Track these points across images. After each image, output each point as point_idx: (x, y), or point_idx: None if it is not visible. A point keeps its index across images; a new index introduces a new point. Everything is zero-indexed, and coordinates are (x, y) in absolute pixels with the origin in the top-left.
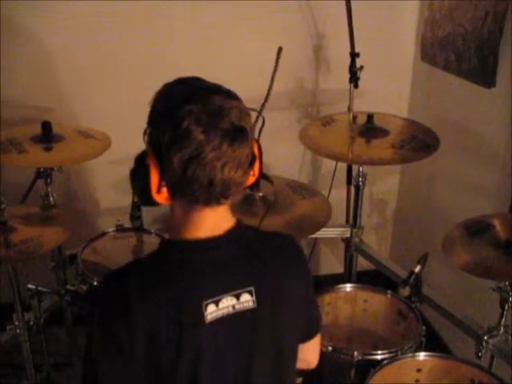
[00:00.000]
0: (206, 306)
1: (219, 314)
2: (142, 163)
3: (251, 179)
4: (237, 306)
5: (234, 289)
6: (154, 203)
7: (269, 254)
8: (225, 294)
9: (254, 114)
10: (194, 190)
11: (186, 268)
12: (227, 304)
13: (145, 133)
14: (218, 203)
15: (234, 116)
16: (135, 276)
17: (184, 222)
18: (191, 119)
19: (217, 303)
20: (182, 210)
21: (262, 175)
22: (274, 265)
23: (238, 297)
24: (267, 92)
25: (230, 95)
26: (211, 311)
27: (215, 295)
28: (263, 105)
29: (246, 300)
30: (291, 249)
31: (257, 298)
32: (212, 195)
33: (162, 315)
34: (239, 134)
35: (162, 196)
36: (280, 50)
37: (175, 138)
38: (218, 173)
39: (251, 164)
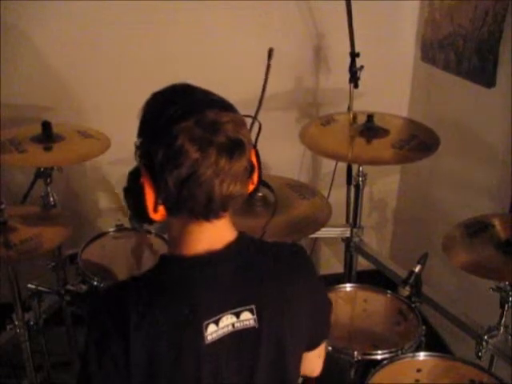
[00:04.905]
0: (207, 326)
1: (220, 333)
2: (135, 181)
3: (250, 187)
4: (236, 325)
5: (234, 307)
6: (150, 221)
7: (273, 266)
8: (225, 313)
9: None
10: (191, 208)
11: (184, 287)
12: (227, 323)
13: (136, 147)
14: (217, 217)
15: (229, 129)
16: (133, 298)
17: (182, 236)
18: (185, 137)
19: (217, 322)
20: (179, 225)
21: (262, 182)
22: (278, 278)
23: (237, 315)
24: (261, 95)
25: (224, 106)
26: (211, 331)
27: (215, 314)
28: (258, 109)
29: (247, 318)
30: (298, 259)
31: (258, 316)
32: (211, 211)
33: (161, 340)
34: (236, 147)
35: (158, 214)
36: (271, 50)
37: (169, 157)
38: (216, 190)
39: (250, 174)
